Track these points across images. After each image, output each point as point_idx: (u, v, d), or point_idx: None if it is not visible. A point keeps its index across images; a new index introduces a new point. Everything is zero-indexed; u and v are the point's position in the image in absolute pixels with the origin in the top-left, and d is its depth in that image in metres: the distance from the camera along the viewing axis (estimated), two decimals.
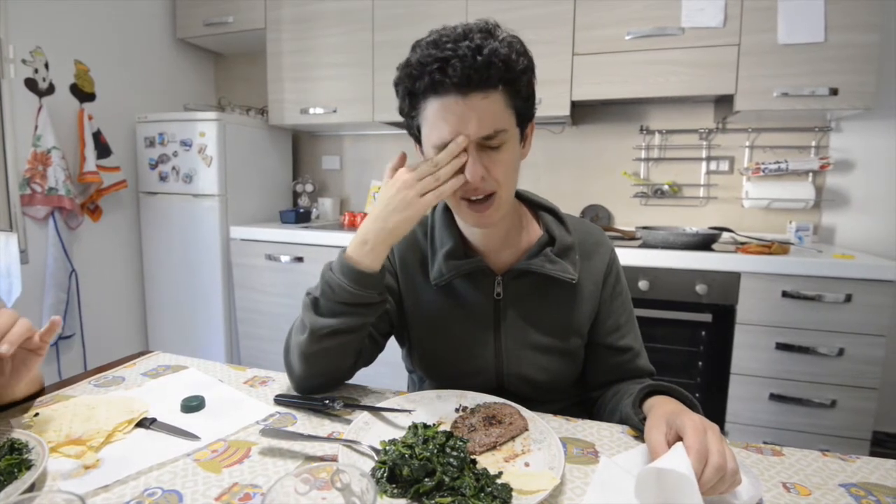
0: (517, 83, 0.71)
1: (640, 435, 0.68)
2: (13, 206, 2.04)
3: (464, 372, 0.86)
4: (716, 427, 0.57)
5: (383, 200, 0.74)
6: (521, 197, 0.90)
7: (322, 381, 0.81)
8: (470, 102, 0.68)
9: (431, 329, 0.87)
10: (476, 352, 0.85)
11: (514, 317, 0.84)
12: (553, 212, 0.88)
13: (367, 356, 0.87)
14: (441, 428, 0.65)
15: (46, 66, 2.14)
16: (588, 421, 0.74)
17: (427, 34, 0.72)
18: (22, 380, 0.71)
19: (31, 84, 2.09)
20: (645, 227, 2.02)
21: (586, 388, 0.91)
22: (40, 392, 0.82)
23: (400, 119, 0.79)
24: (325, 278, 0.75)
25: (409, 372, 1.01)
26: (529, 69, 0.73)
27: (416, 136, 0.78)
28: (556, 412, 0.77)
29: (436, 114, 0.70)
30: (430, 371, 0.90)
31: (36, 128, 2.09)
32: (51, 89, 2.17)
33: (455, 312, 0.86)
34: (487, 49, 0.66)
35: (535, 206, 0.90)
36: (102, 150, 2.33)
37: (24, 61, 2.06)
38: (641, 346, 0.90)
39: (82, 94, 2.30)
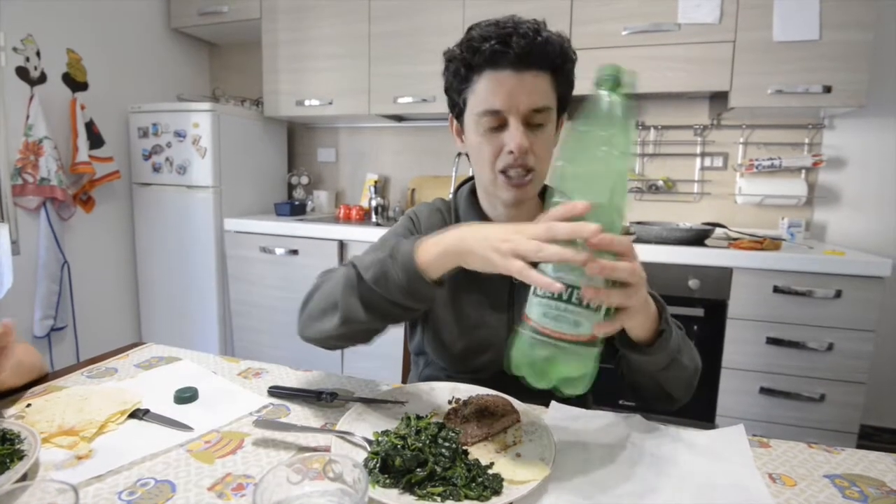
0: (565, 70, 0.77)
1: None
2: (4, 197, 2.02)
3: (472, 348, 0.86)
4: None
5: (491, 230, 0.62)
6: None
7: (332, 345, 0.78)
8: (523, 78, 0.73)
9: (444, 306, 0.88)
10: (487, 329, 0.86)
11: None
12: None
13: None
14: (433, 419, 0.65)
15: (38, 54, 2.12)
16: (582, 410, 0.74)
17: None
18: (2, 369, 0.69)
19: (22, 73, 2.07)
20: (639, 223, 2.03)
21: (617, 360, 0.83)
22: (43, 378, 0.82)
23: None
24: (383, 267, 0.66)
25: (416, 355, 1.01)
26: (574, 63, 0.79)
27: (460, 111, 0.82)
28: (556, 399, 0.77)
29: (487, 86, 0.74)
30: (439, 348, 0.89)
31: (27, 117, 2.07)
32: (42, 78, 2.14)
33: (470, 291, 0.86)
34: (545, 33, 0.73)
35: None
36: (95, 140, 2.31)
37: (15, 49, 2.04)
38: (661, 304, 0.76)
39: (75, 83, 2.28)
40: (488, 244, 0.59)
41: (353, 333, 0.72)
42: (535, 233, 0.55)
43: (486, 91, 0.75)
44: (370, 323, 0.69)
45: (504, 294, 0.86)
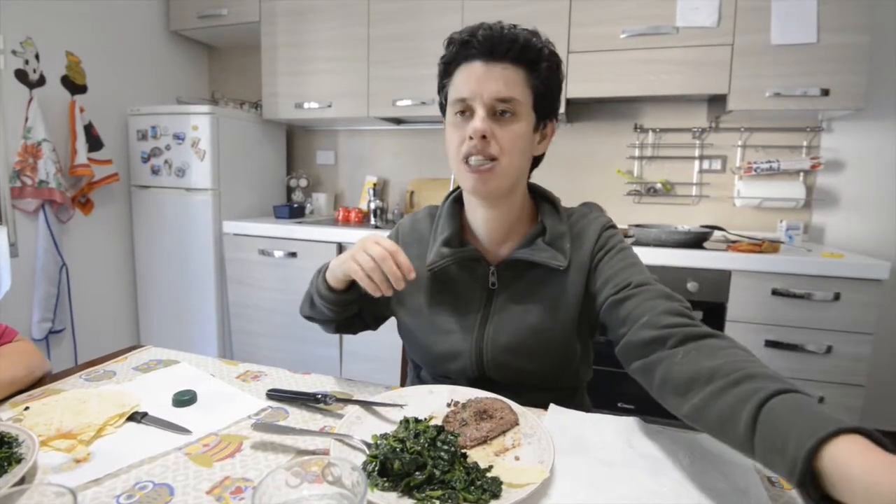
0: (537, 66, 0.78)
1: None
2: (3, 199, 2.02)
3: (441, 355, 0.87)
4: None
5: (351, 249, 0.81)
6: (531, 190, 0.91)
7: (321, 327, 0.98)
8: (491, 69, 0.76)
9: (419, 311, 0.89)
10: (455, 337, 0.86)
11: (505, 305, 0.85)
12: (552, 202, 0.90)
13: (356, 328, 0.98)
14: (432, 422, 0.65)
15: (37, 57, 2.12)
16: (581, 413, 0.74)
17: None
18: None
19: (21, 75, 2.07)
20: (637, 225, 2.03)
21: (627, 361, 0.73)
22: (42, 381, 0.82)
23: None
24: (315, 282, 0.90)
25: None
26: (552, 61, 0.80)
27: (444, 109, 0.85)
28: (546, 402, 0.77)
29: (459, 77, 0.79)
30: (414, 350, 0.93)
31: (26, 120, 2.07)
32: (41, 81, 2.14)
33: (446, 297, 0.87)
34: (515, 30, 0.77)
35: (539, 198, 0.92)
36: (94, 142, 2.31)
37: (14, 52, 2.04)
38: (652, 280, 0.77)
39: (74, 86, 2.28)
40: (340, 260, 0.80)
41: (322, 320, 0.93)
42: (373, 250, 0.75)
43: (458, 82, 0.79)
44: (326, 314, 0.89)
45: (479, 305, 0.86)
